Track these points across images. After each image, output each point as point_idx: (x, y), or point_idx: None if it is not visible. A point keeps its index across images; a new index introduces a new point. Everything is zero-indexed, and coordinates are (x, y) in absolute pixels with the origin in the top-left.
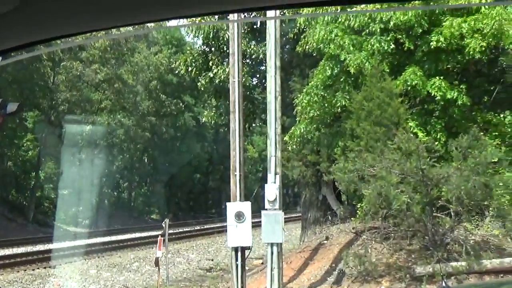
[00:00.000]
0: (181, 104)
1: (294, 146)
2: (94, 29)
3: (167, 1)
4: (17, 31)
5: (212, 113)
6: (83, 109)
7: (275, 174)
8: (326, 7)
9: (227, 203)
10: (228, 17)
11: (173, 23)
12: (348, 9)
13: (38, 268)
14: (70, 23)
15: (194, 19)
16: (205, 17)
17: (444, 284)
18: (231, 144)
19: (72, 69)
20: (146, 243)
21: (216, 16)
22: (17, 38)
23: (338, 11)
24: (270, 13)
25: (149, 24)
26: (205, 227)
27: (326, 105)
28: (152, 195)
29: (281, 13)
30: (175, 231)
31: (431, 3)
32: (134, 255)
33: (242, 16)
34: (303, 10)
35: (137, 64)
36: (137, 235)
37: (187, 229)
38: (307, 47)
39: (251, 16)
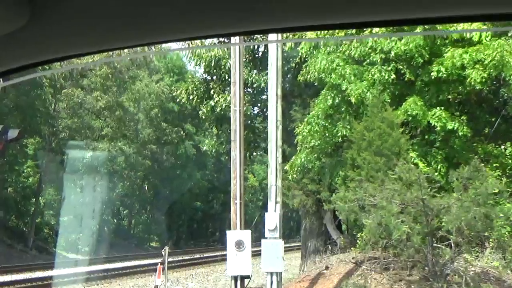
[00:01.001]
0: (182, 132)
1: (295, 175)
2: (96, 51)
3: (169, 23)
4: (21, 51)
5: (213, 142)
6: (84, 136)
7: (276, 203)
8: (329, 31)
9: (227, 231)
10: (230, 41)
11: (175, 46)
12: (350, 34)
13: None
14: (74, 44)
15: (197, 42)
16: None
17: None
18: (232, 172)
19: (74, 96)
20: (145, 271)
21: (217, 41)
22: (19, 59)
23: (341, 35)
24: (272, 37)
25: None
26: (205, 255)
27: (327, 134)
28: (152, 222)
29: (283, 37)
30: (174, 259)
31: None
32: (133, 283)
33: (244, 39)
34: (305, 35)
35: (138, 92)
36: (137, 262)
37: (186, 257)
38: (308, 76)
39: (254, 40)
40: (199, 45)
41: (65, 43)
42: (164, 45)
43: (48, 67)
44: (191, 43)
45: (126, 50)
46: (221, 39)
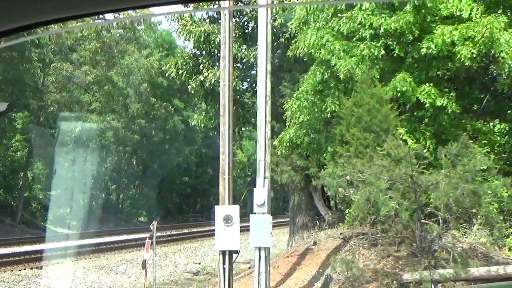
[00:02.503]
0: (170, 107)
1: (284, 151)
2: (79, 15)
3: None
4: (4, 15)
5: (202, 117)
6: (73, 110)
7: (264, 178)
8: None
9: (216, 206)
10: (219, 4)
11: (163, 9)
12: None
13: (25, 269)
14: (58, 7)
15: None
16: (196, 4)
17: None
18: (221, 147)
19: (62, 70)
20: (134, 245)
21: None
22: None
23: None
24: (262, 1)
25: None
26: (193, 230)
27: (316, 110)
28: (141, 197)
29: (273, 1)
30: (162, 234)
31: None
32: (121, 257)
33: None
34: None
35: (128, 67)
36: (125, 237)
37: (175, 232)
38: (298, 52)
39: (243, 3)
40: (188, 17)
41: (48, 7)
42: (151, 10)
43: (33, 32)
44: (181, 16)
45: (112, 16)
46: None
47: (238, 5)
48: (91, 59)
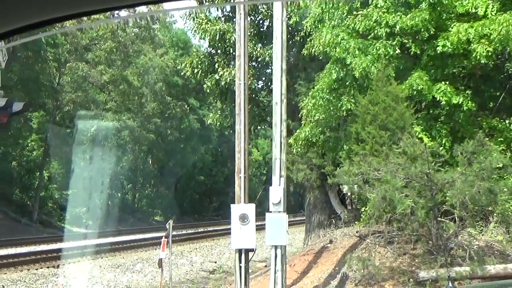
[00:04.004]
0: (186, 106)
1: (299, 149)
2: (93, 10)
3: None
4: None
5: (217, 115)
6: (88, 110)
7: (280, 176)
8: None
9: (232, 205)
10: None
11: (178, 5)
12: None
13: (41, 268)
14: (70, 3)
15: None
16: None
17: (450, 285)
18: (236, 146)
19: (78, 70)
20: (150, 244)
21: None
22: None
23: None
24: None
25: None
26: (209, 229)
27: (331, 108)
28: (156, 196)
29: None
30: (178, 232)
31: None
32: (137, 256)
33: None
34: None
35: (143, 66)
36: (141, 236)
37: (190, 231)
38: (313, 50)
39: None
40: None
41: (62, 2)
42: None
43: (47, 29)
44: (196, 15)
45: (124, 12)
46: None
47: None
48: (107, 59)
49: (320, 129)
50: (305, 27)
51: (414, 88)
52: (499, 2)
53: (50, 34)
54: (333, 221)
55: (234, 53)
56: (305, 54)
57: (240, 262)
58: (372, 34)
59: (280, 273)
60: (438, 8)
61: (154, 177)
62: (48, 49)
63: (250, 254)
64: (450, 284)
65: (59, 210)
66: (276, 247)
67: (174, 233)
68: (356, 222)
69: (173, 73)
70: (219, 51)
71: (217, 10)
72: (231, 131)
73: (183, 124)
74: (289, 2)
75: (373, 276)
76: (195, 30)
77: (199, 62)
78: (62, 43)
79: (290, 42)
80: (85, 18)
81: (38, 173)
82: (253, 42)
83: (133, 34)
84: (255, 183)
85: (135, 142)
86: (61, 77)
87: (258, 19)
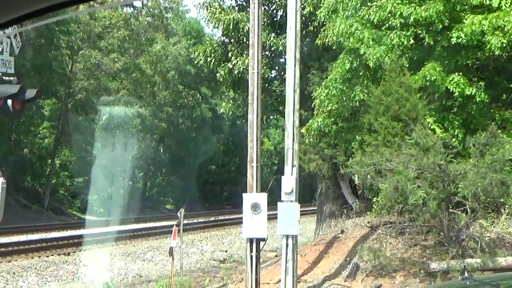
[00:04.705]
0: (198, 95)
1: (311, 139)
2: None
3: None
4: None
5: (230, 105)
6: (101, 97)
7: (292, 166)
8: None
9: (244, 194)
10: None
11: None
12: None
13: (52, 255)
14: None
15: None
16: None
17: (466, 274)
18: (249, 135)
19: (91, 58)
20: (160, 233)
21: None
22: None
23: None
24: None
25: None
26: (220, 218)
27: (344, 98)
28: (167, 185)
29: None
30: (189, 221)
31: None
32: (148, 245)
33: None
34: None
35: (155, 54)
36: (151, 224)
37: (201, 220)
38: (326, 40)
39: None
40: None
41: None
42: None
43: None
44: (210, 4)
45: None
46: None
47: None
48: (119, 47)
49: (332, 119)
50: (319, 17)
51: (427, 79)
52: None
53: (62, 18)
54: (345, 211)
55: (247, 42)
56: (318, 44)
57: (251, 251)
58: (386, 24)
59: (291, 263)
60: (452, 0)
61: (165, 165)
62: (61, 37)
63: (262, 243)
64: (466, 274)
65: (70, 198)
66: (287, 236)
67: (185, 221)
68: (367, 213)
69: (185, 62)
70: (232, 40)
71: (232, 1)
72: (243, 121)
73: (195, 113)
74: None
75: (384, 267)
76: (209, 19)
77: (213, 51)
78: (75, 31)
79: (304, 32)
80: (96, 4)
81: (50, 160)
82: (267, 31)
83: (146, 22)
84: (266, 173)
85: (146, 131)
86: (74, 65)
87: (272, 8)
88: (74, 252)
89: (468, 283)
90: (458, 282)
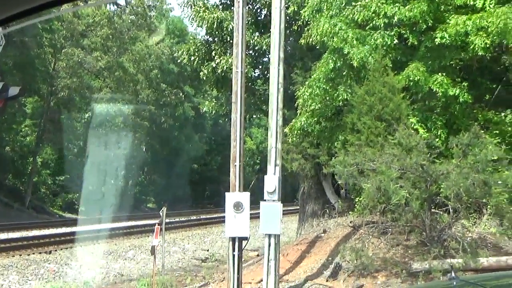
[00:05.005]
0: (181, 93)
1: (294, 139)
2: None
3: None
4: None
5: (213, 103)
6: (83, 96)
7: (275, 165)
8: None
9: (226, 193)
10: None
11: None
12: None
13: (34, 253)
14: None
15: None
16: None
17: (453, 275)
18: (232, 134)
19: (73, 56)
20: (142, 231)
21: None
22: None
23: None
24: None
25: None
26: (201, 217)
27: (327, 98)
28: (150, 184)
29: None
30: (171, 220)
31: None
32: (130, 243)
33: None
34: None
35: (139, 53)
36: (133, 223)
37: (183, 219)
38: (310, 39)
39: None
40: (201, 5)
41: None
42: None
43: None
44: (194, 3)
45: None
46: None
47: None
48: (102, 45)
49: (315, 118)
50: (303, 17)
51: (410, 79)
52: None
53: (46, 18)
54: (327, 211)
55: (231, 41)
56: (302, 44)
57: (233, 250)
58: (371, 24)
59: (273, 262)
60: (436, 0)
61: (147, 164)
62: (44, 35)
63: (244, 242)
64: (453, 274)
65: (52, 196)
66: (270, 236)
67: (167, 220)
68: (350, 212)
69: (168, 60)
70: (216, 39)
71: None
72: (225, 119)
73: (177, 111)
74: None
75: (366, 267)
76: (193, 18)
77: (196, 50)
78: (58, 29)
79: (288, 31)
80: (80, 3)
81: (32, 158)
82: (251, 30)
83: (129, 21)
84: (248, 172)
85: (129, 129)
86: (57, 63)
87: (256, 7)
88: (56, 250)
89: (455, 283)
90: (444, 282)
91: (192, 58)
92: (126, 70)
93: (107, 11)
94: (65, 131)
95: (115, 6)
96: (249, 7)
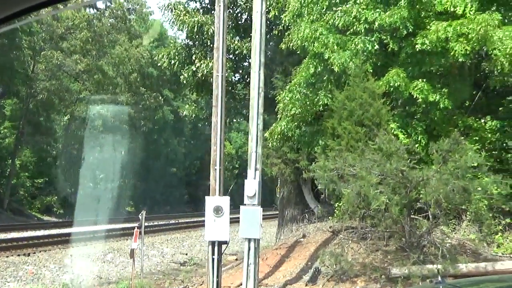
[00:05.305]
0: (160, 97)
1: (274, 143)
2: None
3: None
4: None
5: (193, 107)
6: (62, 98)
7: (255, 170)
8: None
9: (206, 197)
10: None
11: None
12: None
13: (12, 256)
14: None
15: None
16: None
17: (439, 278)
18: (212, 138)
19: (53, 59)
20: (120, 235)
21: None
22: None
23: None
24: None
25: None
26: (180, 221)
27: (308, 103)
28: (128, 187)
29: None
30: (150, 223)
31: None
32: (108, 246)
33: None
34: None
35: (118, 56)
36: (112, 226)
37: (162, 223)
38: (291, 44)
39: None
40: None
41: None
42: None
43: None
44: (175, 7)
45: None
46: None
47: None
48: (82, 48)
49: (296, 123)
50: (283, 21)
51: (391, 84)
52: (477, 2)
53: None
54: (307, 216)
55: (211, 45)
56: (282, 48)
57: (213, 254)
58: (351, 30)
59: (253, 266)
60: (417, 6)
61: (126, 167)
62: (23, 37)
63: (223, 246)
64: (440, 278)
65: (30, 198)
66: (249, 240)
67: (146, 224)
68: (329, 217)
69: (148, 64)
70: (196, 43)
71: (196, 2)
72: (205, 123)
73: (157, 115)
74: None
75: (345, 272)
76: (173, 22)
77: (176, 54)
78: (37, 31)
79: (268, 36)
80: (61, 6)
81: (10, 160)
82: (231, 35)
83: (109, 24)
84: (227, 177)
85: (107, 132)
86: (36, 65)
87: (236, 12)
88: (34, 253)
89: (441, 287)
90: (431, 286)
91: (172, 62)
92: (106, 73)
93: (86, 14)
94: (44, 133)
95: (95, 10)
96: (229, 11)
